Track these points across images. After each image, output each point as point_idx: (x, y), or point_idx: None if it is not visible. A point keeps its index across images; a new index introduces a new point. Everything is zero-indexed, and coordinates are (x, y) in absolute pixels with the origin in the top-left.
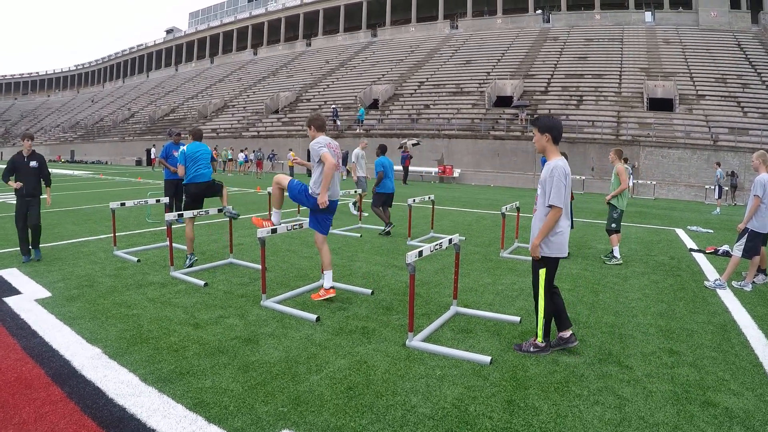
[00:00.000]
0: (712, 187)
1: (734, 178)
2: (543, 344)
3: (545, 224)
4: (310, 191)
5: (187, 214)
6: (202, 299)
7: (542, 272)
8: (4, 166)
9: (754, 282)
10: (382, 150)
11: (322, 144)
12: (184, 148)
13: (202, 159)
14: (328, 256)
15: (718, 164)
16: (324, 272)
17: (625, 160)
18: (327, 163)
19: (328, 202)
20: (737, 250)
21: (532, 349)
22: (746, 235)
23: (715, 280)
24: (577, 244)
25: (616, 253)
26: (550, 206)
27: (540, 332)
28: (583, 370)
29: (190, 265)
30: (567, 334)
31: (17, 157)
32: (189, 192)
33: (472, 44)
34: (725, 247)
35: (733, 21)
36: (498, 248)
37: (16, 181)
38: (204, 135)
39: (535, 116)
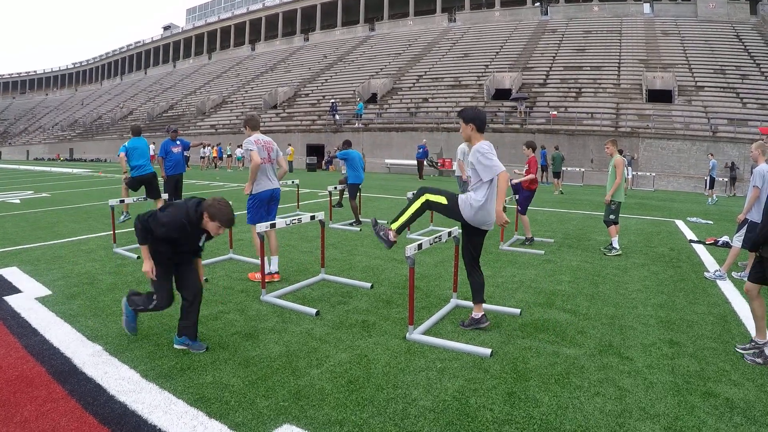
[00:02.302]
0: (706, 178)
1: (734, 169)
2: (394, 240)
3: (500, 189)
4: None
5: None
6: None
7: (425, 198)
8: (151, 220)
9: None
10: (348, 144)
11: (251, 142)
12: (126, 143)
13: (142, 153)
14: (258, 243)
15: (711, 155)
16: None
17: (620, 152)
18: (252, 162)
19: (252, 193)
20: (737, 241)
21: (381, 233)
22: (746, 226)
23: (715, 271)
24: (577, 235)
25: (615, 244)
26: (490, 180)
27: (396, 225)
28: (583, 362)
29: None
30: (479, 314)
31: (190, 222)
32: (132, 181)
33: (470, 37)
34: (725, 238)
35: (732, 12)
36: (497, 241)
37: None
38: (202, 131)
39: (461, 108)
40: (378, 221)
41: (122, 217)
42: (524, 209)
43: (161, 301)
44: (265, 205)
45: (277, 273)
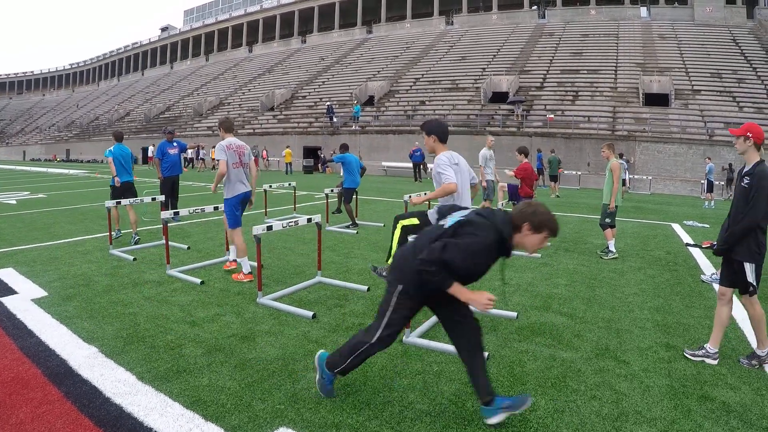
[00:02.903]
0: (703, 182)
1: (731, 171)
2: None
3: (438, 189)
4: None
5: (125, 201)
6: (198, 297)
7: (400, 225)
8: (450, 252)
9: None
10: (345, 148)
11: (223, 148)
12: (112, 148)
13: (126, 161)
14: (242, 245)
15: (709, 158)
16: (238, 259)
17: (620, 155)
18: (219, 170)
19: (227, 197)
20: None
21: (385, 273)
22: None
23: (711, 274)
24: (573, 239)
25: (612, 248)
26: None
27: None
28: (580, 366)
29: (136, 242)
30: None
31: (502, 242)
32: (120, 188)
33: (468, 40)
34: None
35: (729, 16)
36: None
37: None
38: (199, 132)
39: (423, 121)
40: (375, 266)
41: (114, 233)
42: None
43: (387, 339)
44: (240, 207)
45: (249, 273)
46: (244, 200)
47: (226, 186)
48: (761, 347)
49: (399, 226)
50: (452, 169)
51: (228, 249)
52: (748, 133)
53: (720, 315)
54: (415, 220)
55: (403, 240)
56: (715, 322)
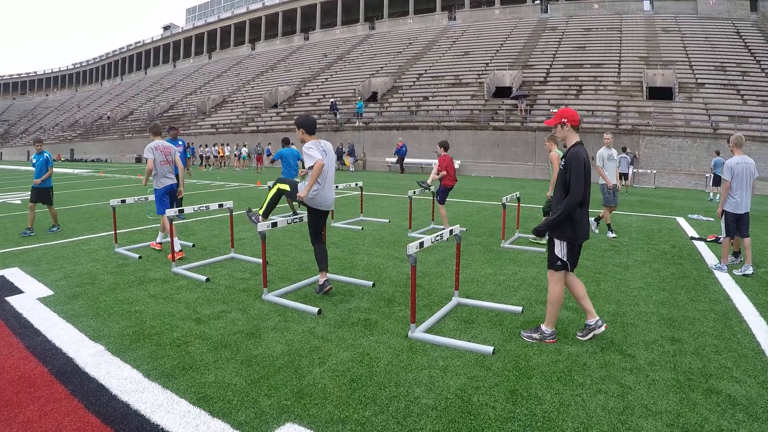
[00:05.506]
0: (708, 175)
1: None
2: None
3: (313, 173)
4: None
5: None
6: (204, 294)
7: (276, 187)
8: None
9: (731, 263)
10: (285, 142)
11: (151, 149)
12: (47, 154)
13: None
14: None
15: (717, 152)
16: (162, 240)
17: (624, 149)
18: (147, 166)
19: (156, 188)
20: (723, 231)
21: (254, 218)
22: (724, 217)
23: (716, 264)
24: None
25: None
26: (311, 167)
27: (261, 210)
28: (585, 359)
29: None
30: (323, 280)
31: None
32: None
33: (471, 35)
34: None
35: (732, 9)
36: (499, 239)
37: None
38: (203, 131)
39: (296, 117)
40: (250, 209)
41: (27, 232)
42: (442, 200)
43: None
44: (167, 197)
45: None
46: (171, 191)
47: (155, 180)
48: (589, 317)
49: (275, 187)
50: (318, 151)
51: (233, 246)
52: (563, 119)
53: (552, 295)
54: (287, 187)
55: (275, 199)
56: (549, 304)
